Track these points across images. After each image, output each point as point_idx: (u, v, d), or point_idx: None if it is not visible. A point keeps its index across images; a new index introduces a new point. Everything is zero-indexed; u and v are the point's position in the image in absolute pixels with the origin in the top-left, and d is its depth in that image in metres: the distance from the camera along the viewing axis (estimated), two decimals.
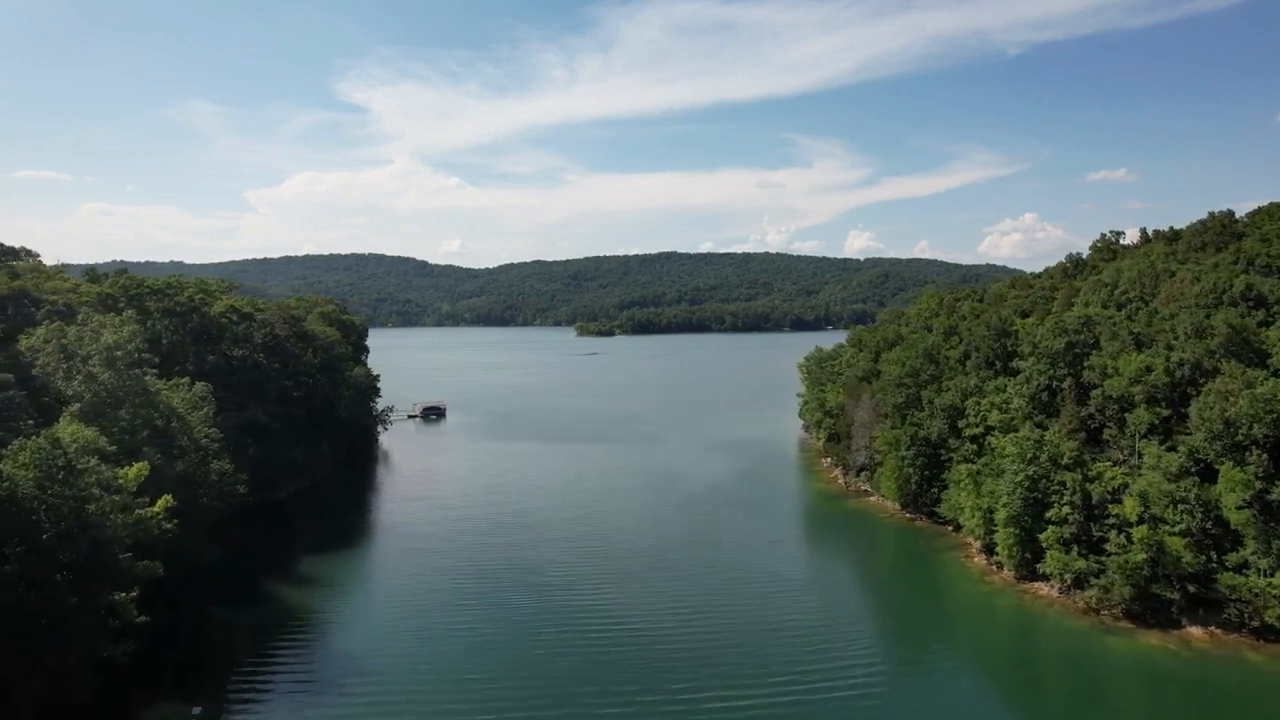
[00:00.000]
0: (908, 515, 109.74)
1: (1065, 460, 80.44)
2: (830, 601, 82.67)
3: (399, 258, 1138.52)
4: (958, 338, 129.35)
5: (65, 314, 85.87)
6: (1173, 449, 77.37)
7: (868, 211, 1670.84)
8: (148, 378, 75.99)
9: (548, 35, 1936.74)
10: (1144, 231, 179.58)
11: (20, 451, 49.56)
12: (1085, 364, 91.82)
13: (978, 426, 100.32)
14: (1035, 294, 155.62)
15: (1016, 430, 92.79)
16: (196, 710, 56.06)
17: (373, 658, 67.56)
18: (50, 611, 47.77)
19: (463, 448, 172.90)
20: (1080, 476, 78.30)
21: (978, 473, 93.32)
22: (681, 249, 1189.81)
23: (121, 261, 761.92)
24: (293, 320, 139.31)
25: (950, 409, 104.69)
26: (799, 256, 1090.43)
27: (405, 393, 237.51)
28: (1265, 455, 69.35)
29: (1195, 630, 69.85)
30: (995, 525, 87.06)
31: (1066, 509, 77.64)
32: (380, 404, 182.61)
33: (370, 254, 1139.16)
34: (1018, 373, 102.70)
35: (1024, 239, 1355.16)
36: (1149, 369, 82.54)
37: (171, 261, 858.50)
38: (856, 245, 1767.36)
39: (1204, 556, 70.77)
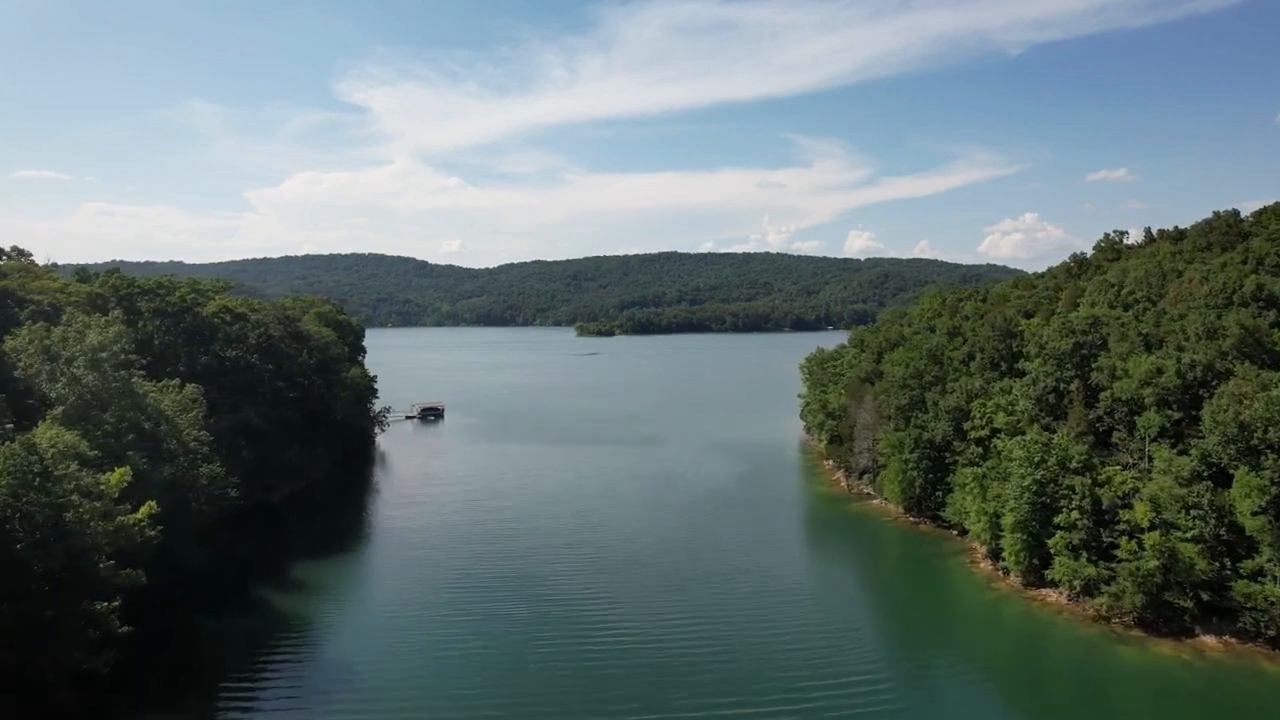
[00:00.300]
0: (911, 519, 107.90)
1: (1074, 464, 78.58)
2: (834, 609, 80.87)
3: (399, 258, 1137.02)
4: (961, 338, 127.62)
5: (50, 314, 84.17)
6: (1184, 452, 75.56)
7: (868, 211, 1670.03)
8: (135, 379, 74.16)
9: (548, 35, 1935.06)
10: (1148, 231, 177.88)
11: None
12: (1093, 365, 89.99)
13: (983, 429, 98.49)
14: (1039, 294, 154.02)
15: (1023, 433, 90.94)
16: None
17: (364, 668, 65.67)
18: (25, 623, 45.96)
19: (460, 449, 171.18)
20: (1090, 481, 76.44)
21: (983, 476, 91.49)
22: (682, 249, 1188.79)
23: (121, 261, 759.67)
24: (287, 320, 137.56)
25: (955, 411, 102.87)
26: (799, 256, 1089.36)
27: (404, 393, 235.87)
28: None
29: (1209, 639, 67.98)
30: (1001, 530, 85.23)
31: (1075, 514, 75.74)
32: (377, 405, 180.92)
33: (370, 254, 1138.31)
34: (1023, 374, 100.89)
35: (1024, 239, 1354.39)
36: (1160, 371, 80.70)
37: (171, 261, 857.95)
38: (857, 245, 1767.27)
39: (1218, 563, 68.88)
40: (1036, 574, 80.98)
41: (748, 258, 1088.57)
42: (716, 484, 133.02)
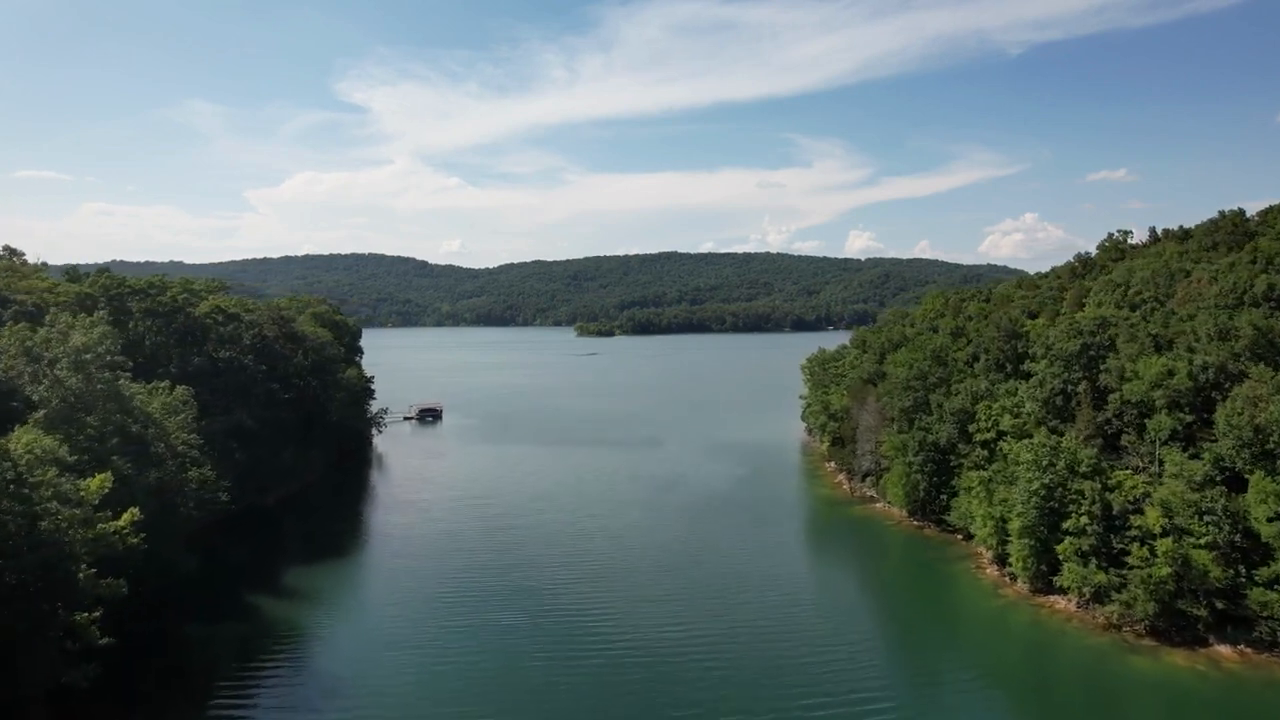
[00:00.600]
0: (915, 523, 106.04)
1: (1083, 468, 76.74)
2: (837, 616, 78.97)
3: (399, 258, 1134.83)
4: (965, 339, 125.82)
5: (35, 315, 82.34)
6: (1196, 456, 73.78)
7: (868, 211, 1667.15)
8: (121, 381, 72.31)
9: (548, 35, 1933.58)
10: (1153, 230, 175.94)
11: None
12: (1101, 367, 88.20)
13: (989, 431, 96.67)
14: (1043, 294, 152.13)
15: (1029, 436, 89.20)
16: None
17: (356, 679, 63.93)
18: None
19: (458, 451, 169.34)
20: (1099, 485, 74.60)
21: (989, 480, 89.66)
22: (682, 249, 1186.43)
23: (121, 261, 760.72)
24: (282, 321, 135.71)
25: (960, 413, 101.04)
26: (799, 256, 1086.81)
27: (402, 394, 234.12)
28: None
29: (1224, 649, 66.12)
30: (1008, 535, 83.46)
31: (1085, 519, 73.90)
32: (374, 406, 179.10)
33: (370, 254, 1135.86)
34: (1029, 376, 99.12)
35: (1025, 239, 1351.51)
36: (1171, 373, 78.87)
37: (171, 261, 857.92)
38: (857, 245, 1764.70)
39: (1232, 571, 67.01)
40: (1044, 580, 79.14)
41: (748, 258, 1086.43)
42: (717, 486, 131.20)
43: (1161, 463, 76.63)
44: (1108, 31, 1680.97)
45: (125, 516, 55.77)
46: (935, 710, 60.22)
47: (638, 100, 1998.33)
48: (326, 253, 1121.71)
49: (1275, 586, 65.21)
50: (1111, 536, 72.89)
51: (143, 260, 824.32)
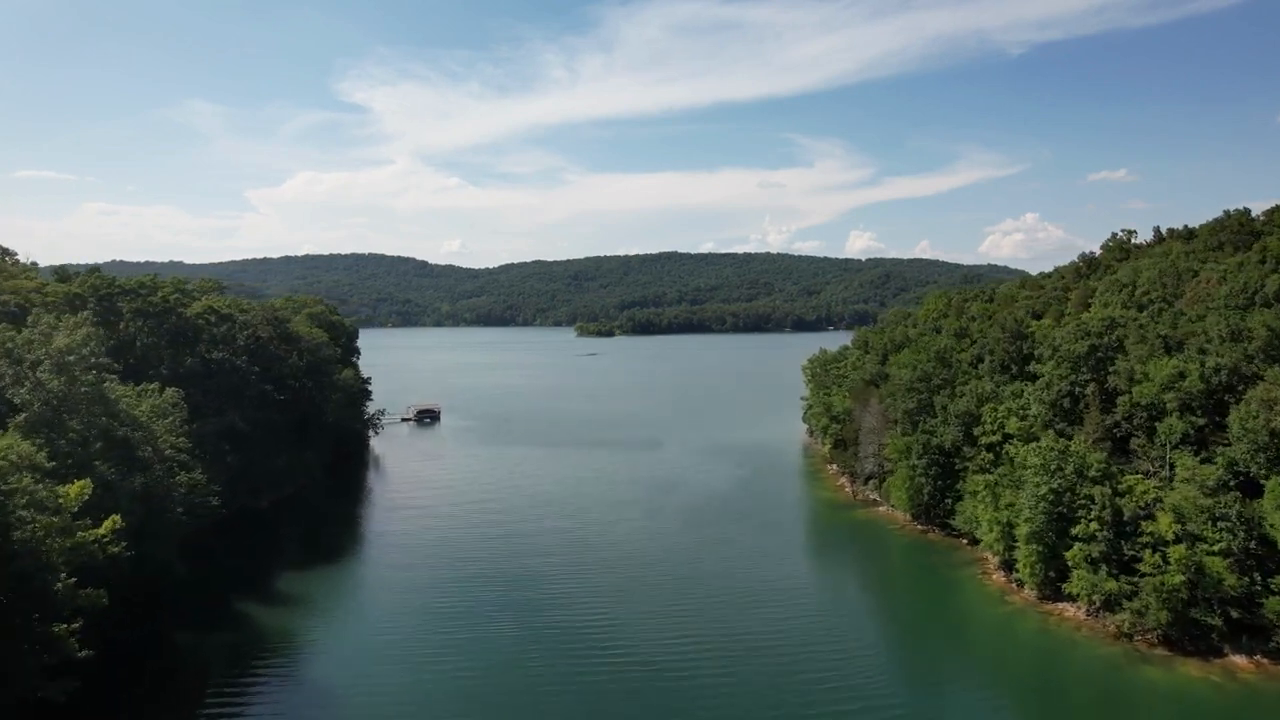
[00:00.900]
0: (919, 527, 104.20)
1: (1092, 472, 74.88)
2: (841, 624, 77.22)
3: (399, 258, 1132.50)
4: (969, 339, 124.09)
5: (18, 315, 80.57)
6: (1209, 460, 72.00)
7: (869, 211, 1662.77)
8: (107, 384, 70.51)
9: (549, 35, 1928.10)
10: (1158, 230, 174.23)
11: None
12: (1110, 369, 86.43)
13: (994, 434, 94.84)
14: (1047, 294, 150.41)
15: (1036, 439, 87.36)
16: None
17: (349, 689, 62.30)
18: None
19: (456, 453, 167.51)
20: (1110, 490, 72.72)
21: (995, 484, 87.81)
22: (682, 249, 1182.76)
23: (121, 261, 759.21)
24: (277, 321, 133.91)
25: (965, 415, 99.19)
26: (800, 256, 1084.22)
27: (401, 394, 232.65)
28: None
29: (1239, 659, 64.27)
30: (1015, 540, 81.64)
31: (1095, 525, 72.04)
32: (371, 407, 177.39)
33: (370, 254, 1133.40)
34: (1035, 377, 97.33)
35: (1025, 239, 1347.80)
36: (1182, 374, 77.04)
37: (171, 261, 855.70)
38: (857, 245, 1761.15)
39: (1248, 579, 65.23)
40: (1053, 587, 77.37)
41: (748, 258, 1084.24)
42: (717, 489, 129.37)
43: (1172, 467, 74.87)
44: (1108, 31, 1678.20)
45: (106, 524, 53.96)
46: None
47: (638, 100, 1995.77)
48: (327, 253, 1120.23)
49: None
50: (1122, 543, 71.03)
51: (143, 260, 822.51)
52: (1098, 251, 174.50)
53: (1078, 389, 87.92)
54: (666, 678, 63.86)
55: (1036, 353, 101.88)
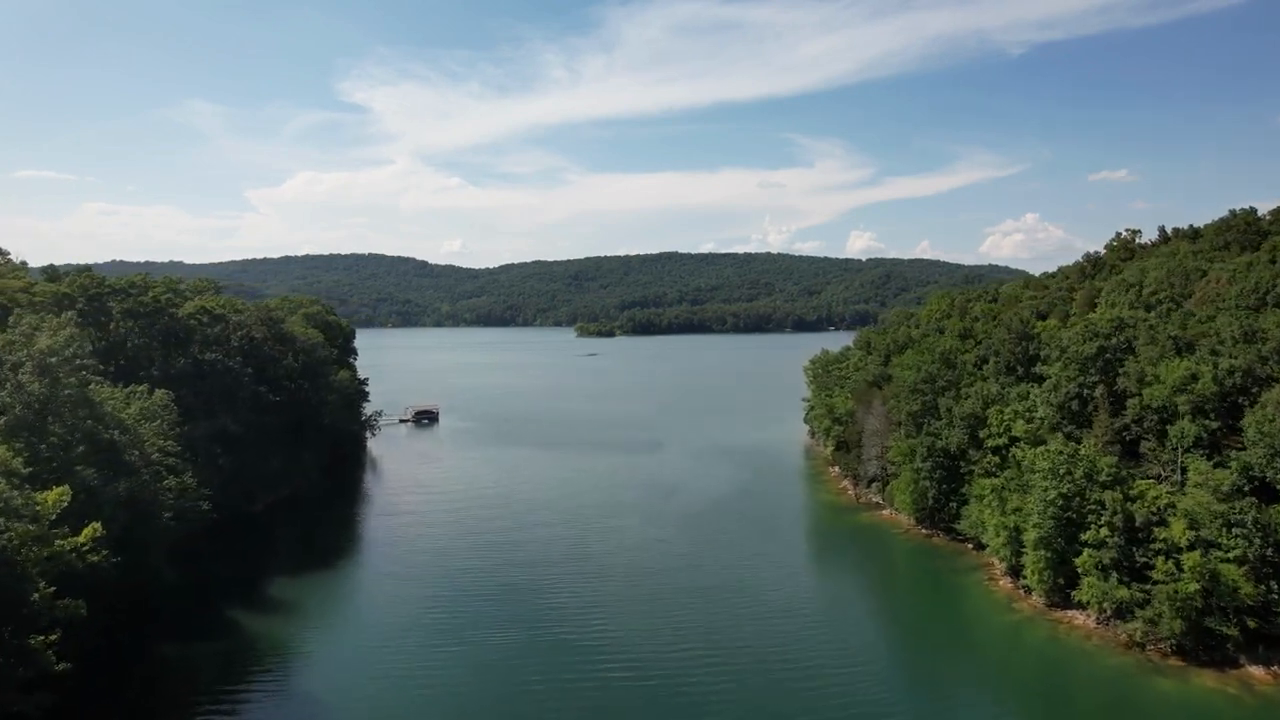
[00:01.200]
0: (924, 531, 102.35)
1: (1103, 477, 73.05)
2: (844, 632, 75.31)
3: (399, 258, 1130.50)
4: (973, 340, 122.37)
5: (3, 315, 78.72)
6: (1222, 465, 70.15)
7: (869, 211, 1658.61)
8: (92, 386, 68.70)
9: (549, 35, 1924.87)
10: (1163, 230, 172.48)
11: None
12: (1120, 370, 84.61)
13: (1001, 437, 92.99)
14: (1052, 294, 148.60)
15: (1043, 442, 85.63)
16: None
17: (342, 702, 60.58)
18: None
19: (454, 456, 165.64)
20: (1120, 495, 70.89)
21: (1002, 488, 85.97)
22: (682, 249, 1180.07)
23: (121, 261, 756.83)
24: (271, 322, 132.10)
25: (970, 418, 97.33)
26: (800, 257, 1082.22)
27: (400, 395, 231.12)
28: None
29: (1256, 670, 62.42)
30: (1022, 546, 79.79)
31: (1105, 531, 70.23)
32: (369, 408, 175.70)
33: (370, 254, 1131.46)
34: (1042, 379, 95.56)
35: (1025, 239, 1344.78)
36: (1195, 376, 75.18)
37: (172, 261, 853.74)
38: (858, 245, 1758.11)
39: (1264, 587, 63.45)
40: (1061, 594, 75.55)
41: (749, 258, 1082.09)
42: (718, 492, 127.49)
43: (1184, 471, 73.05)
44: (1109, 32, 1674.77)
45: (86, 532, 52.15)
46: None
47: (638, 100, 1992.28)
48: (327, 253, 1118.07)
49: None
50: (1134, 549, 69.25)
51: (143, 260, 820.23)
52: (1102, 251, 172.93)
53: (1086, 391, 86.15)
54: (665, 689, 62.09)
55: (1043, 354, 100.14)
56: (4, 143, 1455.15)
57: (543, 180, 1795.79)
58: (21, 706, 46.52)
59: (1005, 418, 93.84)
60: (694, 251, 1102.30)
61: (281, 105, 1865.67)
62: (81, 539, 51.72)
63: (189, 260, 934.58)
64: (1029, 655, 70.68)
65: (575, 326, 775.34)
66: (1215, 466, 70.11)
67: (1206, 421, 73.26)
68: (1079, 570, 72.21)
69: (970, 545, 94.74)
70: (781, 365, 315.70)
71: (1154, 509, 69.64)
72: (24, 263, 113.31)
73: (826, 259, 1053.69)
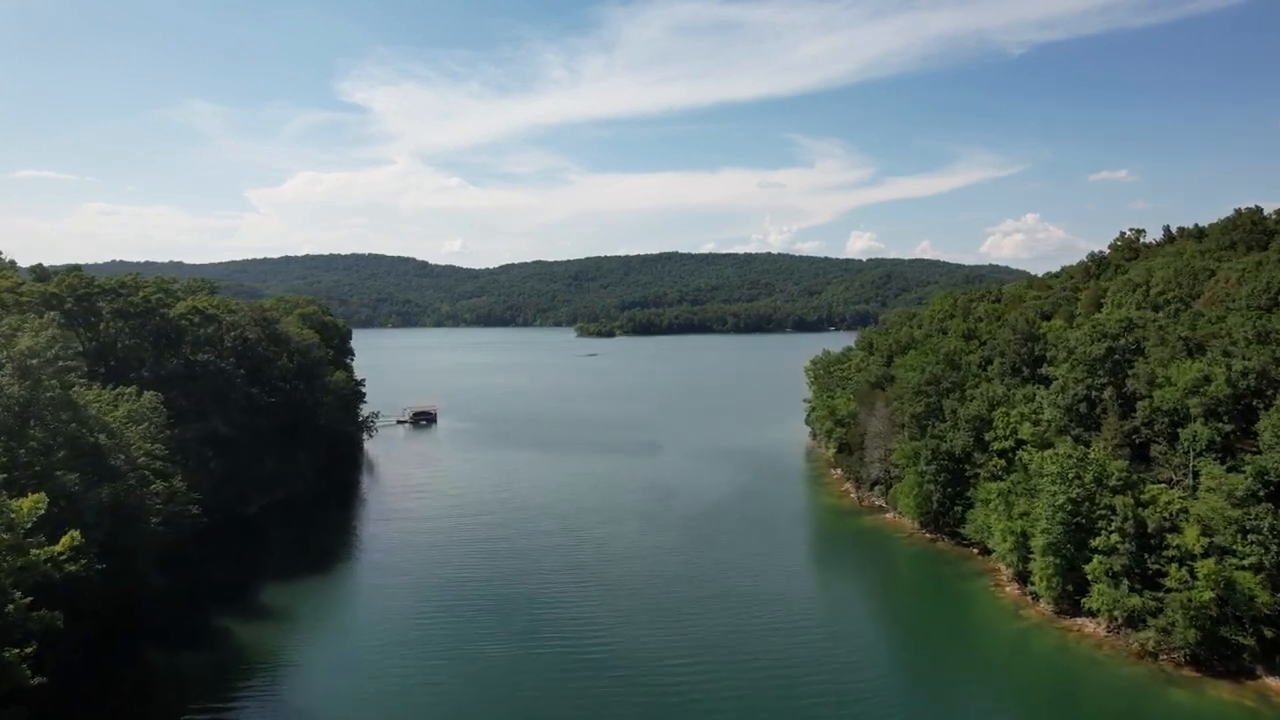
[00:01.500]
0: (928, 535, 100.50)
1: (1113, 481, 71.22)
2: (846, 639, 73.41)
3: (399, 258, 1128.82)
4: (977, 341, 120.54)
5: None
6: (1236, 469, 68.28)
7: (869, 212, 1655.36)
8: (77, 388, 66.93)
9: (549, 35, 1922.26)
10: (1167, 229, 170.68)
11: None
12: (1129, 372, 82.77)
13: (1007, 440, 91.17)
14: (1056, 294, 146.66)
15: (1050, 445, 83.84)
16: None
17: (336, 714, 58.82)
18: None
19: (452, 457, 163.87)
20: (1132, 500, 69.06)
21: (1008, 492, 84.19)
22: (683, 249, 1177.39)
23: (121, 261, 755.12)
24: (265, 322, 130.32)
25: (975, 420, 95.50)
26: (801, 257, 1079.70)
27: (398, 396, 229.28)
28: None
29: (1273, 681, 60.56)
30: (1030, 551, 78.05)
31: (1116, 537, 68.39)
32: (366, 409, 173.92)
33: (370, 254, 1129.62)
34: (1048, 380, 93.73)
35: (1026, 239, 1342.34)
36: (1207, 378, 73.31)
37: (172, 261, 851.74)
38: (858, 245, 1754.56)
39: None
40: (1070, 601, 73.75)
41: (749, 258, 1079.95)
42: (718, 495, 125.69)
43: (1196, 475, 71.23)
44: (1109, 32, 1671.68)
45: (64, 540, 50.32)
46: None
47: (638, 100, 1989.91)
48: (327, 253, 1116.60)
49: None
50: (1146, 556, 67.42)
51: (143, 260, 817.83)
52: (1106, 251, 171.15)
53: (1094, 393, 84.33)
54: (666, 695, 60.50)
55: (1049, 355, 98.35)
56: (4, 143, 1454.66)
57: (543, 180, 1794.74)
58: None
59: (1011, 420, 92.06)
60: (694, 251, 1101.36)
61: (281, 105, 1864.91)
62: (59, 547, 49.90)
63: (189, 260, 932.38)
64: (1037, 664, 68.87)
65: (575, 327, 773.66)
66: (1229, 471, 68.22)
67: (1219, 424, 71.40)
68: (1089, 577, 70.44)
69: (976, 550, 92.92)
70: (782, 366, 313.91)
71: (1166, 514, 67.79)
72: (12, 262, 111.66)
73: (827, 259, 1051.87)
